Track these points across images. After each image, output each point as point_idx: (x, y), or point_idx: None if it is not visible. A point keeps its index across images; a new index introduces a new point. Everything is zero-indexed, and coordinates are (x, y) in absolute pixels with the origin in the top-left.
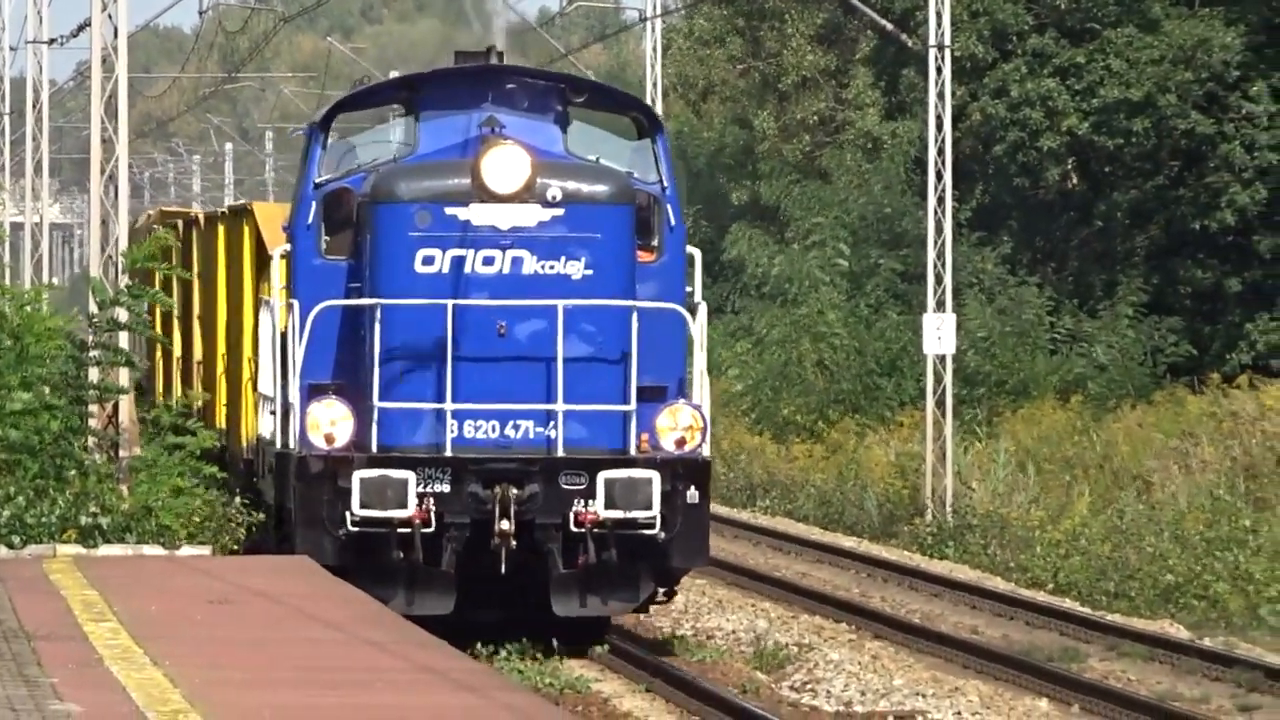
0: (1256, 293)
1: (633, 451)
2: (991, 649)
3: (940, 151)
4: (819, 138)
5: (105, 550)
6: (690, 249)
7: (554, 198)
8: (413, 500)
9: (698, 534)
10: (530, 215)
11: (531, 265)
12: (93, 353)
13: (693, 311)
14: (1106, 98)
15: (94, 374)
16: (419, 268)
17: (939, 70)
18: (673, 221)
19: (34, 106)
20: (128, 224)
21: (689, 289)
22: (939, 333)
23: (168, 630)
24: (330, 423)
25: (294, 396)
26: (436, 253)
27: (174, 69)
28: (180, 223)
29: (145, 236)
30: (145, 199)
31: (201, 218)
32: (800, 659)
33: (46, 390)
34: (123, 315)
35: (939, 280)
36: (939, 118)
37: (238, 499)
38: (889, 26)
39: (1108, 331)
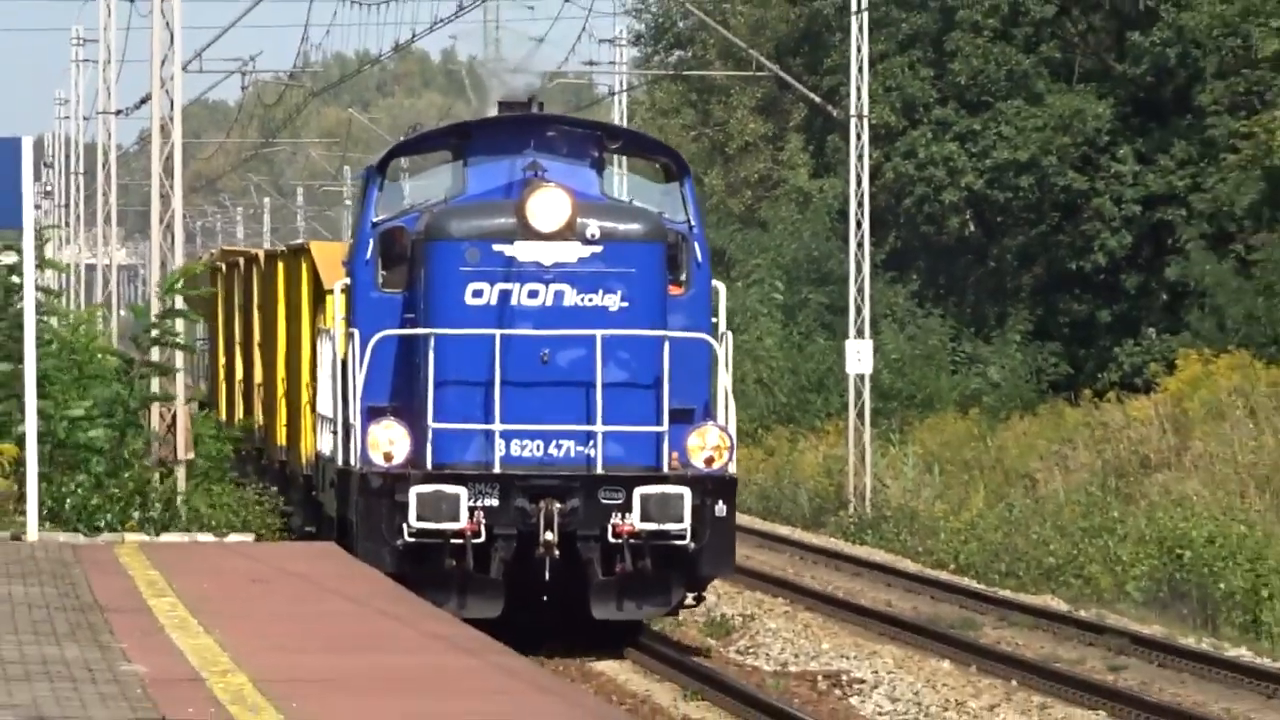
0: (1124, 322)
1: (665, 469)
2: (903, 619)
3: (860, 204)
4: (759, 193)
5: (165, 538)
6: (715, 283)
7: (593, 236)
8: (464, 514)
9: (724, 544)
10: (571, 252)
11: (572, 298)
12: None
13: (718, 340)
14: (998, 159)
15: (155, 386)
16: (469, 300)
17: (859, 136)
18: (699, 258)
19: (103, 166)
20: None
21: (714, 319)
22: (859, 356)
23: (218, 605)
24: (389, 442)
25: (354, 418)
26: (485, 286)
27: (220, 135)
28: (242, 260)
29: (201, 278)
30: (197, 244)
31: (262, 256)
32: (744, 627)
33: (103, 398)
34: (176, 325)
35: (859, 311)
36: (859, 175)
37: (274, 492)
38: (817, 100)
39: (999, 354)
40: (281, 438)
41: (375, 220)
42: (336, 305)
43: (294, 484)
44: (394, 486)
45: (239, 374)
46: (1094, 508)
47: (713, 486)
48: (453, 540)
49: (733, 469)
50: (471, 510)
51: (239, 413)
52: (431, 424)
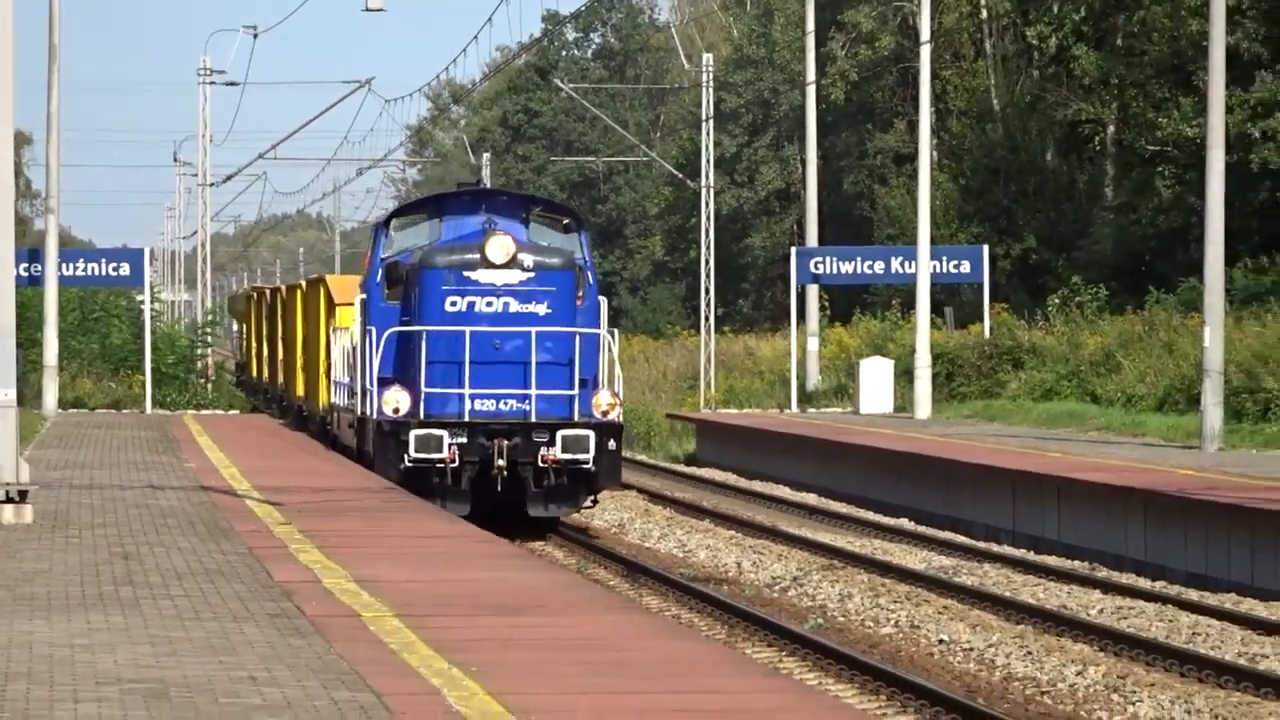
0: None
1: (576, 418)
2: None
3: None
4: None
5: (205, 412)
6: (600, 297)
7: (527, 266)
8: (446, 448)
9: (615, 467)
10: (514, 276)
11: (515, 306)
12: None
13: (608, 336)
14: None
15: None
16: (447, 308)
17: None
18: (591, 281)
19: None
20: (229, 294)
21: (602, 322)
22: None
23: (231, 439)
24: (397, 401)
25: (371, 385)
26: (458, 298)
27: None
28: (268, 290)
29: (241, 300)
30: (241, 283)
31: (284, 288)
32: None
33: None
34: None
35: None
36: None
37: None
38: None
39: None
40: (300, 392)
41: (383, 257)
42: (356, 312)
43: (312, 419)
44: (399, 430)
45: (265, 353)
46: None
47: (607, 430)
48: (438, 465)
49: (619, 418)
50: (450, 445)
51: (265, 374)
52: (424, 389)
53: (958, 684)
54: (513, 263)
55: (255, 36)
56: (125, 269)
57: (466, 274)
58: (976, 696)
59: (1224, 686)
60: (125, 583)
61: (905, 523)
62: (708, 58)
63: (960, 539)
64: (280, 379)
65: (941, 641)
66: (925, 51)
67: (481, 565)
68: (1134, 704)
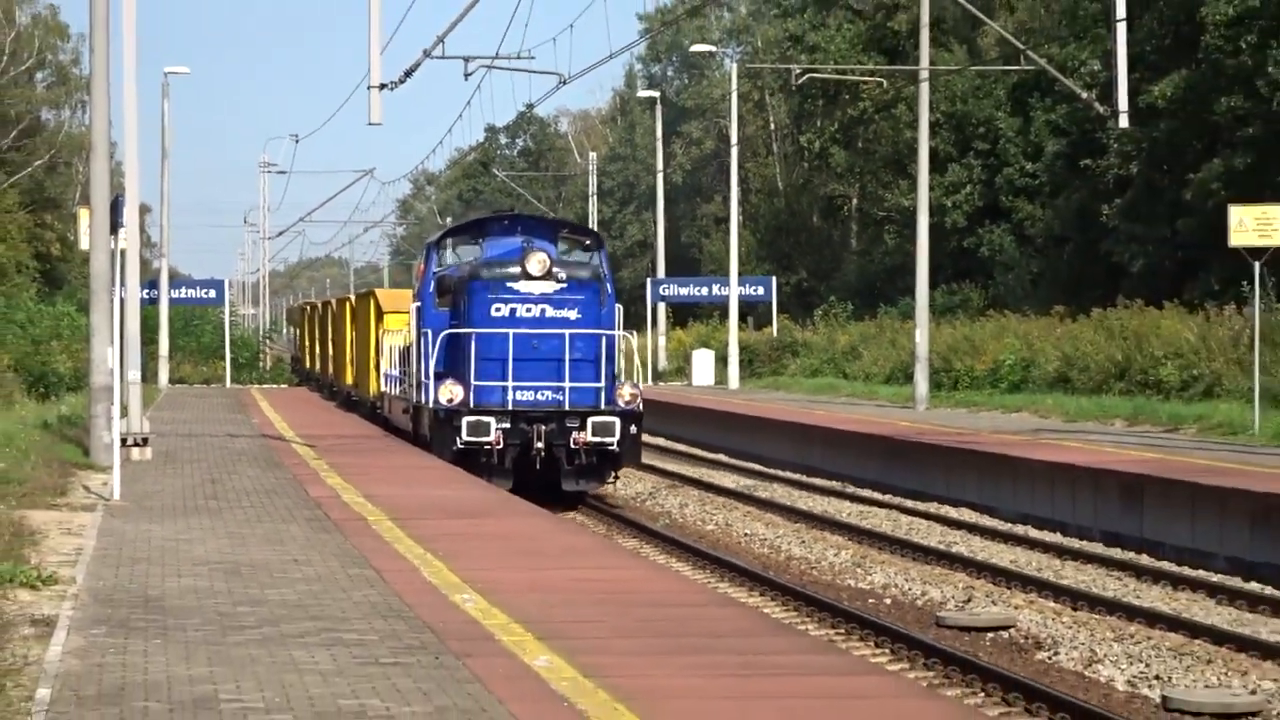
0: None
1: (603, 406)
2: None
3: None
4: None
5: (266, 386)
6: (617, 305)
7: (561, 278)
8: (494, 432)
9: (635, 449)
10: (549, 287)
11: (550, 312)
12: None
13: (627, 338)
14: None
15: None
16: (493, 313)
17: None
18: (610, 292)
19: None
20: (287, 308)
21: (618, 324)
22: None
23: (282, 405)
24: (452, 392)
25: (426, 378)
26: (502, 305)
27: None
28: (320, 303)
29: (296, 311)
30: (296, 299)
31: (334, 300)
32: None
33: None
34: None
35: None
36: None
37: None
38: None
39: None
40: (349, 381)
41: (436, 271)
42: (411, 317)
43: (361, 404)
44: (452, 417)
45: (316, 350)
46: None
47: (630, 417)
48: (485, 447)
49: (641, 407)
50: (495, 430)
51: (317, 366)
52: (473, 382)
53: (758, 562)
54: (548, 275)
55: (297, 141)
56: (212, 293)
57: (509, 285)
58: (770, 570)
59: (930, 564)
60: (212, 498)
61: (723, 456)
62: (592, 155)
63: (758, 467)
64: (330, 370)
65: (746, 535)
66: (734, 152)
67: (448, 486)
68: (871, 575)
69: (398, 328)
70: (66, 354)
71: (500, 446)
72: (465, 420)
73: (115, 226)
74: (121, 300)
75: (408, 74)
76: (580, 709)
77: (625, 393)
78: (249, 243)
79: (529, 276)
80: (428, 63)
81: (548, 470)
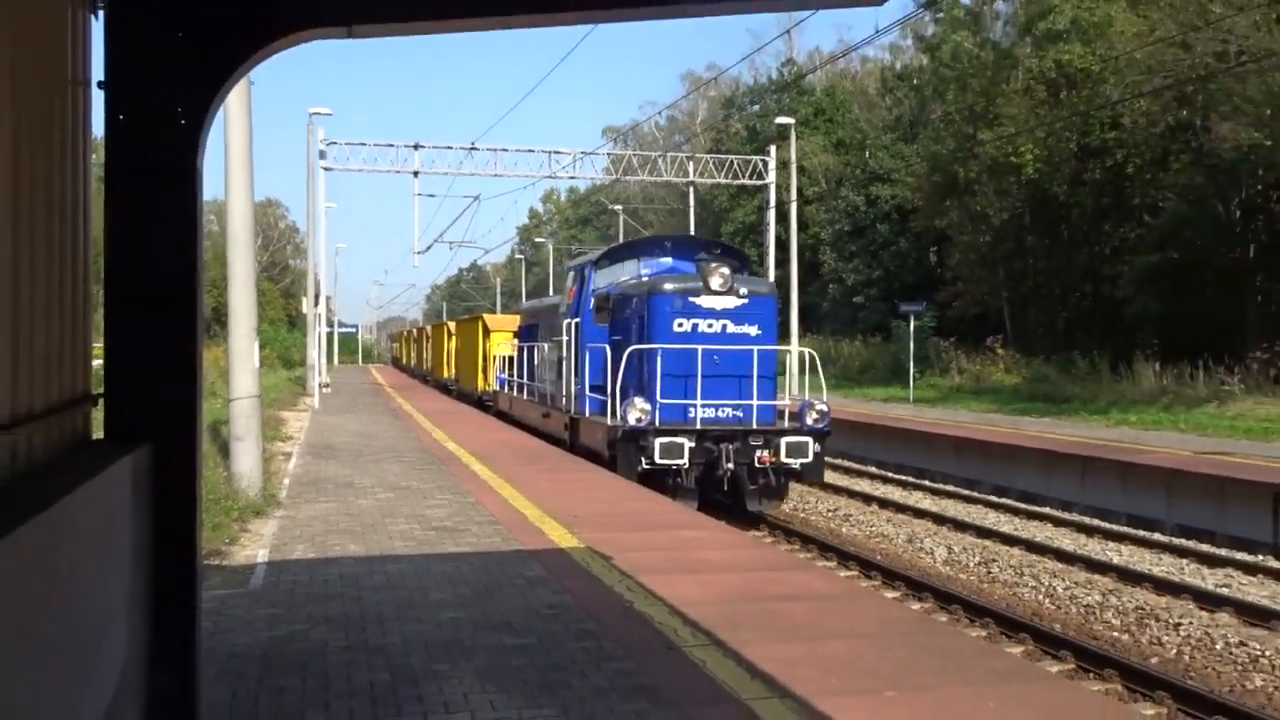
0: None
1: (787, 425)
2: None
3: None
4: None
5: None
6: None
7: (742, 293)
8: (688, 455)
9: (819, 466)
10: (731, 302)
11: (731, 328)
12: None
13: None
14: None
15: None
16: (675, 329)
17: None
18: (779, 307)
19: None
20: (389, 333)
21: (793, 341)
22: None
23: (386, 372)
24: (641, 410)
25: (584, 389)
26: (684, 320)
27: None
28: (430, 326)
29: (396, 334)
30: (416, 319)
31: (430, 326)
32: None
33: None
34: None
35: None
36: None
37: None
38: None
39: None
40: (449, 375)
41: (594, 289)
42: (566, 334)
43: (469, 399)
44: (639, 436)
45: (413, 354)
46: None
47: (817, 436)
48: (673, 468)
49: (828, 425)
50: (687, 449)
51: (412, 362)
52: (659, 400)
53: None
54: (730, 290)
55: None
56: (355, 328)
57: (692, 299)
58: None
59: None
60: (353, 410)
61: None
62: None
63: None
64: (428, 367)
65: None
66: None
67: (512, 435)
68: None
69: (501, 342)
70: (297, 350)
71: (686, 465)
72: (658, 442)
73: (316, 302)
74: (318, 334)
75: None
76: None
77: (816, 411)
78: (375, 295)
79: (712, 291)
80: None
81: (731, 488)
